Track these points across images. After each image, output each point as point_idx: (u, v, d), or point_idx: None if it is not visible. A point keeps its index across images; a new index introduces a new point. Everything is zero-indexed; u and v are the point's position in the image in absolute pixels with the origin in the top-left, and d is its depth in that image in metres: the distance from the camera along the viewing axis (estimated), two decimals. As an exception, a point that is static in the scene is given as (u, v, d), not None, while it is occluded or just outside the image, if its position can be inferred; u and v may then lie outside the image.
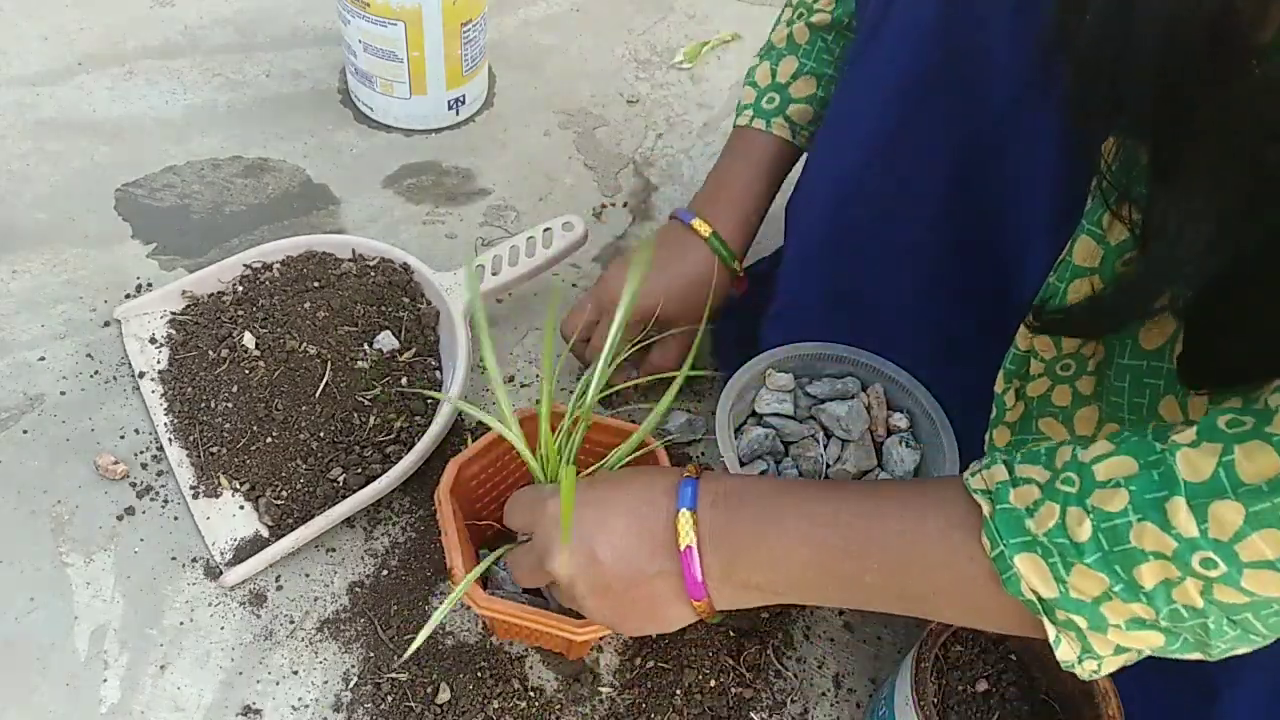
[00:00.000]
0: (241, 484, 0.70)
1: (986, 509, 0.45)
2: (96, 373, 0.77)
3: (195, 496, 0.70)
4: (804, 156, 0.75)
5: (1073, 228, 0.53)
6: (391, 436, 0.73)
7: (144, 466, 0.72)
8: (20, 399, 0.75)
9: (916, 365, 0.70)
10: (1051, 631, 0.43)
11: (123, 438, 0.73)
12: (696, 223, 0.75)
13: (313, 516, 0.68)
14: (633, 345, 0.70)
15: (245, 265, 0.81)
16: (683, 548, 0.50)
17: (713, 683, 0.65)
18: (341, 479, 0.70)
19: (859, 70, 0.64)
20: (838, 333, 0.72)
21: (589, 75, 1.12)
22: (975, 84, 0.58)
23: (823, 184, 0.69)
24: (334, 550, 0.70)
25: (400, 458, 0.71)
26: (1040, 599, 0.43)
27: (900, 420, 0.70)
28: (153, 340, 0.78)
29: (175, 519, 0.70)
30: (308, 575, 0.68)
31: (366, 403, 0.74)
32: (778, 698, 0.66)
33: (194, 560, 0.68)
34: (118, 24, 1.07)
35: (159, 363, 0.77)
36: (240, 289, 0.80)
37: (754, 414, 0.71)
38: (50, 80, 1.00)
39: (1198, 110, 0.39)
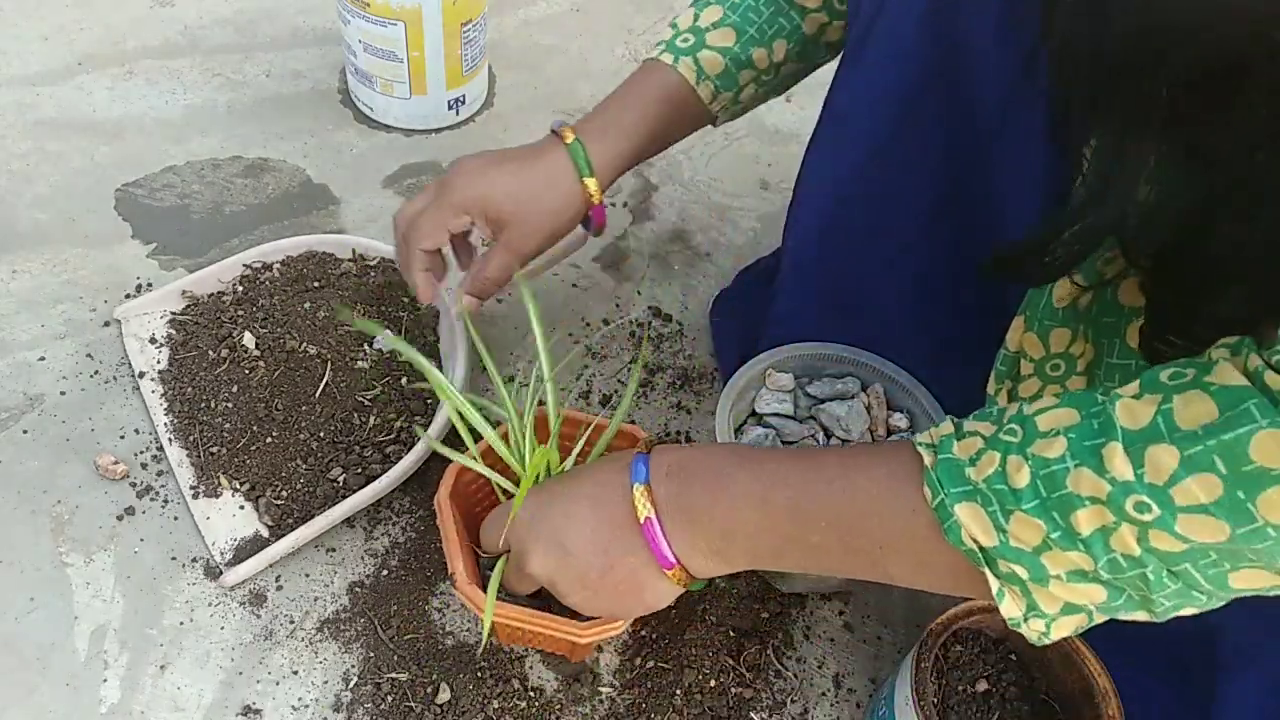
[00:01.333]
0: (241, 484, 0.70)
1: (928, 459, 0.45)
2: (96, 373, 0.77)
3: (195, 496, 0.70)
4: (800, 156, 0.75)
5: None
6: (391, 436, 0.73)
7: (144, 466, 0.72)
8: (20, 399, 0.75)
9: (914, 366, 0.70)
10: (994, 584, 0.43)
11: (123, 438, 0.73)
12: (564, 130, 0.70)
13: (313, 516, 0.68)
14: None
15: (245, 265, 0.81)
16: (641, 520, 0.51)
17: (713, 683, 0.65)
18: (341, 479, 0.70)
19: (851, 76, 0.64)
20: (836, 335, 0.72)
21: (589, 75, 1.12)
22: (964, 87, 0.58)
23: (818, 188, 0.69)
24: (334, 550, 0.70)
25: (400, 458, 0.70)
26: (981, 548, 0.43)
27: (900, 420, 0.70)
28: (153, 340, 0.78)
29: (175, 519, 0.70)
30: (308, 575, 0.68)
31: (366, 403, 0.74)
32: (778, 698, 0.66)
33: (194, 560, 0.68)
34: (118, 24, 1.07)
35: (159, 363, 0.77)
36: (240, 289, 0.80)
37: (754, 414, 0.71)
38: (50, 80, 1.00)
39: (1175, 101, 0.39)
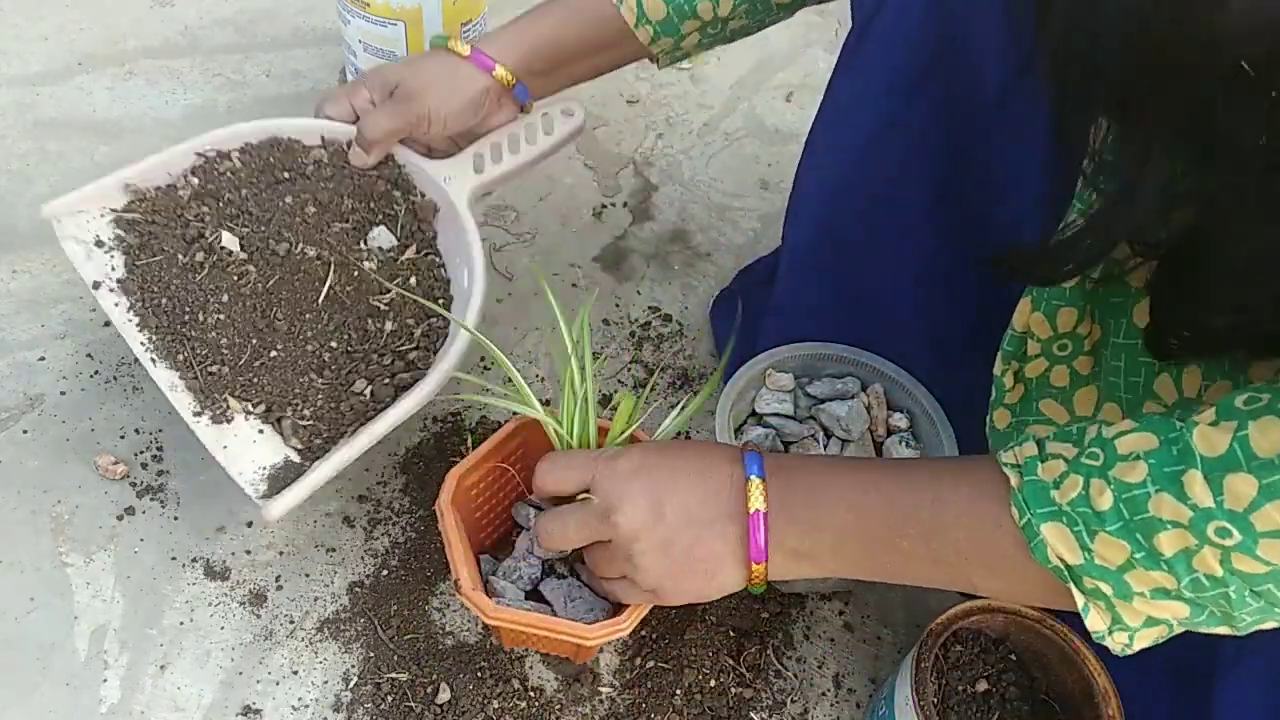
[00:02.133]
0: (255, 405, 0.64)
1: (1015, 480, 0.46)
2: (96, 373, 0.77)
3: (202, 423, 0.63)
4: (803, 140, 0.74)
5: (1062, 210, 0.54)
6: (413, 344, 0.68)
7: (144, 466, 0.72)
8: (20, 399, 0.75)
9: (913, 354, 0.70)
10: (1080, 599, 0.45)
11: (123, 438, 0.73)
12: (454, 44, 0.74)
13: (344, 434, 0.63)
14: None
15: (198, 154, 0.72)
16: (752, 511, 0.52)
17: (713, 683, 0.65)
18: (368, 391, 0.65)
19: (852, 66, 0.64)
20: (836, 326, 0.72)
21: (589, 75, 1.12)
22: (965, 76, 0.58)
23: (818, 178, 0.69)
24: (334, 550, 0.70)
25: (427, 365, 0.66)
26: (1067, 565, 0.44)
27: (900, 420, 0.70)
28: (99, 244, 0.68)
29: (175, 519, 0.70)
30: (308, 575, 0.68)
31: (382, 307, 0.68)
32: (778, 698, 0.66)
33: (194, 560, 0.68)
34: (118, 24, 1.07)
35: (113, 270, 0.67)
36: (196, 181, 0.71)
37: (754, 414, 0.71)
38: (50, 80, 1.00)
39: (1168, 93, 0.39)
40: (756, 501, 0.52)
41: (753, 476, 0.53)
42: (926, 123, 0.62)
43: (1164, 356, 0.52)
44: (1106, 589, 0.44)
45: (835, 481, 0.53)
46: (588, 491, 0.56)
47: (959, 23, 0.57)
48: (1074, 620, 0.47)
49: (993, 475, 0.48)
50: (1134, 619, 0.44)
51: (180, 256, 0.67)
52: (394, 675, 0.64)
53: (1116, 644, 0.45)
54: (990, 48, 0.56)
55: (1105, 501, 0.43)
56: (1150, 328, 0.51)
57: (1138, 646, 0.45)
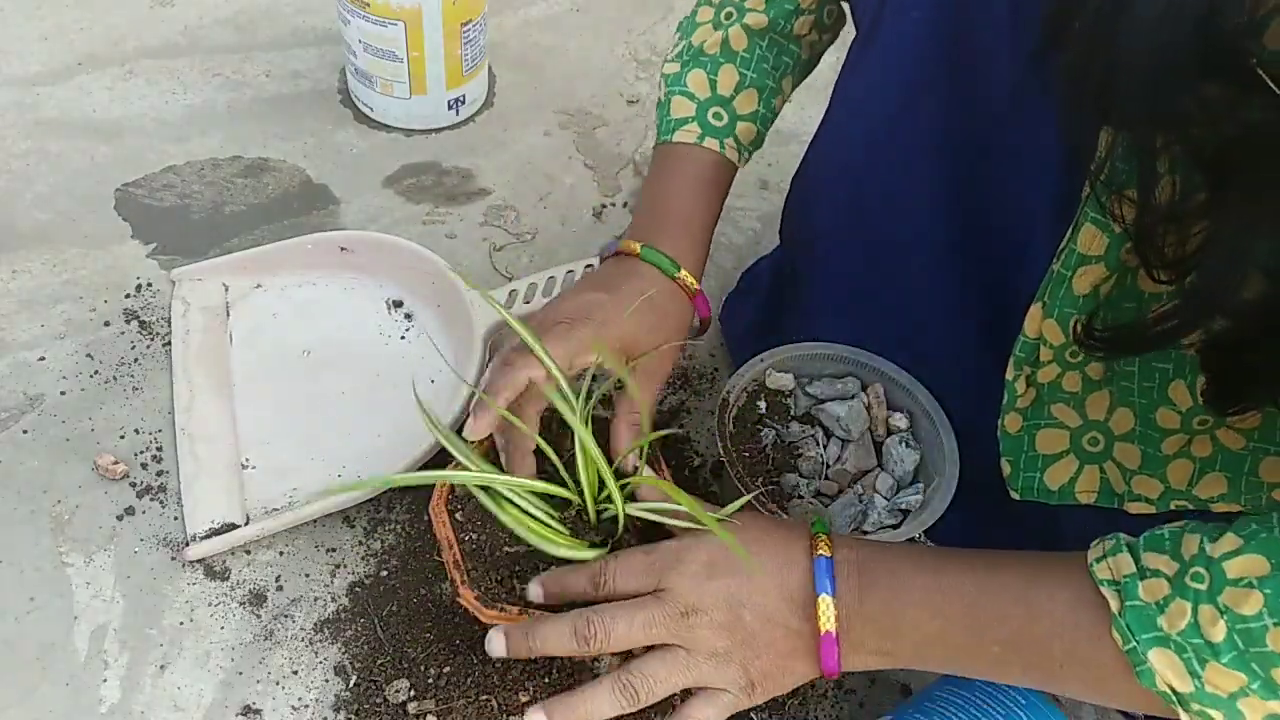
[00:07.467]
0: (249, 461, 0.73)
1: (1115, 604, 0.45)
2: (96, 373, 0.77)
3: (187, 454, 0.71)
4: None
5: (1074, 214, 0.53)
6: None
7: (144, 466, 0.72)
8: (20, 399, 0.75)
9: (927, 362, 0.69)
10: (1185, 718, 0.44)
11: (123, 438, 0.73)
12: (628, 243, 0.67)
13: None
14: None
15: (310, 245, 0.84)
16: (823, 632, 0.52)
17: (713, 683, 0.65)
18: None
19: (860, 62, 0.63)
20: (858, 330, 0.71)
21: (589, 75, 1.12)
22: (976, 72, 0.57)
23: (827, 176, 0.68)
24: (334, 550, 0.70)
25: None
26: (1175, 693, 0.44)
27: (900, 420, 0.70)
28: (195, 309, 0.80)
29: (175, 519, 0.70)
30: (308, 575, 0.68)
31: None
32: (778, 697, 0.66)
33: (194, 560, 0.68)
34: (118, 24, 1.07)
35: (189, 333, 0.79)
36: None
37: (754, 414, 0.71)
38: (50, 80, 1.00)
39: (1190, 111, 0.39)
40: (827, 622, 0.52)
41: (823, 595, 0.52)
42: (934, 121, 0.60)
43: (1225, 413, 0.51)
44: (1216, 715, 0.43)
45: (916, 584, 0.52)
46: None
47: (968, 20, 0.56)
48: None
49: (1086, 586, 0.47)
50: None
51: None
52: (394, 676, 0.64)
53: None
54: (1001, 48, 0.55)
55: (1218, 633, 0.42)
56: (1210, 389, 0.50)
57: None
